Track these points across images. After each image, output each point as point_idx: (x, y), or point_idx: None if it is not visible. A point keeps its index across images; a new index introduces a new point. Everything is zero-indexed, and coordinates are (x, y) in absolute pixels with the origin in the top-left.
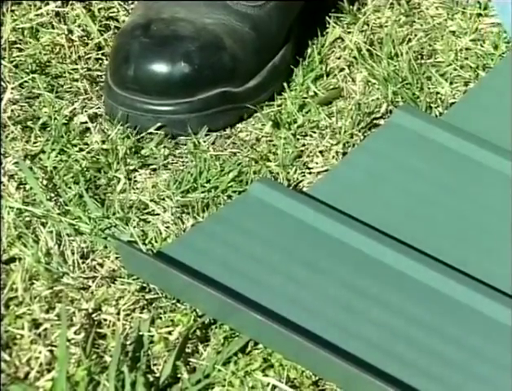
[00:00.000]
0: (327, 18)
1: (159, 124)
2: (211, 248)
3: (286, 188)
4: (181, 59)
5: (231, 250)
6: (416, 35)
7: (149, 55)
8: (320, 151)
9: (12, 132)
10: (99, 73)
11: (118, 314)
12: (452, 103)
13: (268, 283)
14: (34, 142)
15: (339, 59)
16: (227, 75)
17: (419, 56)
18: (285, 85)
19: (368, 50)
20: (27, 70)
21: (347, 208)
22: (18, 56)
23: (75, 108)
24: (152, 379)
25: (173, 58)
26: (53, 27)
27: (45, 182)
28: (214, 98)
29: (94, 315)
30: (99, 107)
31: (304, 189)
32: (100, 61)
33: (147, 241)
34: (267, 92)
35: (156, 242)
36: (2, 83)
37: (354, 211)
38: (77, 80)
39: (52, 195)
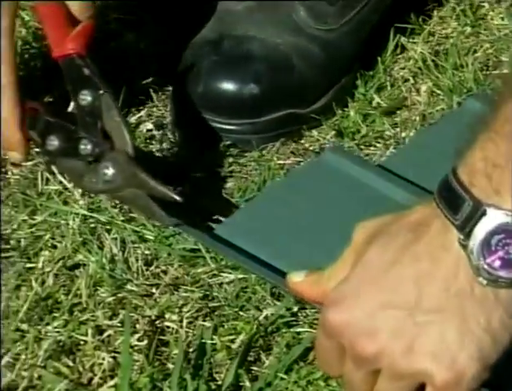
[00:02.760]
0: (391, 28)
1: (226, 142)
2: (277, 212)
3: (358, 156)
4: (251, 80)
5: (297, 216)
6: (481, 46)
7: (219, 74)
8: (384, 159)
9: None
10: (166, 81)
11: (181, 321)
12: None
13: (333, 246)
14: None
15: (403, 69)
16: (295, 97)
17: (484, 67)
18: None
19: (433, 60)
20: None
21: (419, 180)
22: None
23: (141, 116)
24: (214, 386)
25: (243, 78)
26: (121, 35)
27: None
28: (280, 119)
29: (157, 322)
30: (164, 116)
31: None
32: (166, 69)
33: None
34: (332, 112)
35: None
36: None
37: (426, 183)
38: (143, 88)
39: (117, 201)
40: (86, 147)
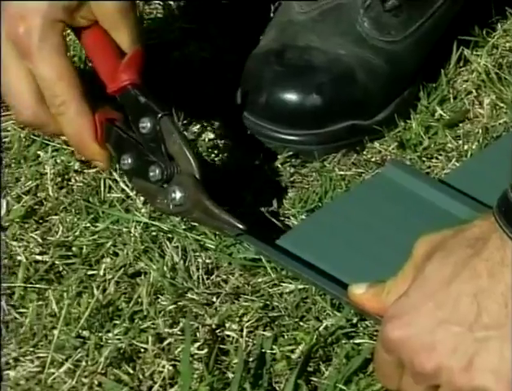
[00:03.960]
0: (455, 40)
1: (288, 153)
2: (339, 225)
3: (419, 171)
4: (313, 90)
5: (359, 229)
6: None
7: (282, 85)
8: (446, 175)
9: None
10: (228, 91)
11: (241, 330)
12: None
13: (393, 260)
14: None
15: (467, 81)
16: (357, 108)
17: None
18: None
19: (496, 73)
20: None
21: (482, 196)
22: None
23: (203, 125)
24: None
25: (306, 89)
26: (184, 44)
27: None
28: (342, 130)
29: (217, 331)
30: (226, 126)
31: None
32: (229, 79)
33: None
34: (394, 124)
35: None
36: None
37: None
38: (206, 97)
39: None
40: (154, 173)
